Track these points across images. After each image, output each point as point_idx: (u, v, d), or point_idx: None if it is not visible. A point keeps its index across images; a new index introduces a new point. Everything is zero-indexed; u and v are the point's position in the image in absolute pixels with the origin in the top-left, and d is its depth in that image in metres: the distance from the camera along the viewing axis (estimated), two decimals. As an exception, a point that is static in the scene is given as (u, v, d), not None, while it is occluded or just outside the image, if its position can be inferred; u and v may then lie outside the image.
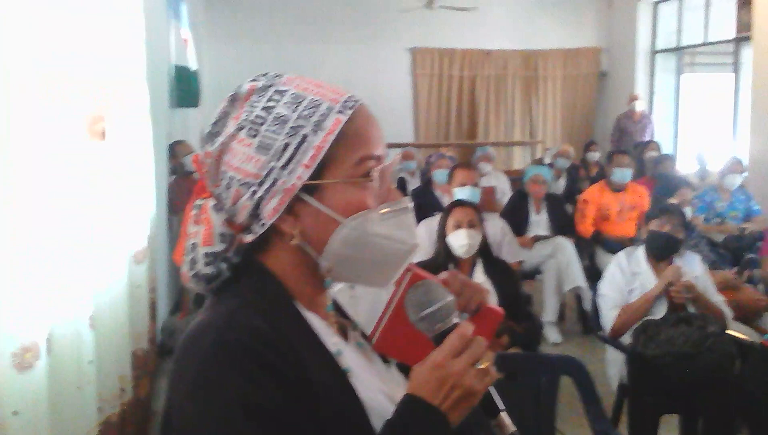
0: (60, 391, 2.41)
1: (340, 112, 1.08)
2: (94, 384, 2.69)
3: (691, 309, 3.55)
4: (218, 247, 1.10)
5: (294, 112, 1.07)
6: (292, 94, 1.09)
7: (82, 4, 2.79)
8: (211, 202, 1.12)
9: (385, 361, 1.25)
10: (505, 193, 7.63)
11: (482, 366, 1.04)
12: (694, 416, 3.33)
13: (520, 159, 12.02)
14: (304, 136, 1.06)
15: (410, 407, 1.02)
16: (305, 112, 1.07)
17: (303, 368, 1.00)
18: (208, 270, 1.10)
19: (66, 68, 2.60)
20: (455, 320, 1.08)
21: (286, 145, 1.05)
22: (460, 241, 3.67)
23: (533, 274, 5.77)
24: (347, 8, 11.14)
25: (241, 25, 10.37)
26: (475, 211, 3.81)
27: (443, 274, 1.23)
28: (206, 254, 1.10)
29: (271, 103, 1.07)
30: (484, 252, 3.81)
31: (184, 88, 6.38)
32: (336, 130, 1.06)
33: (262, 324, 1.01)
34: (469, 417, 1.05)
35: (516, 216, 5.82)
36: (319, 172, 1.07)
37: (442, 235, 3.75)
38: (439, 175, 6.22)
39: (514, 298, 3.67)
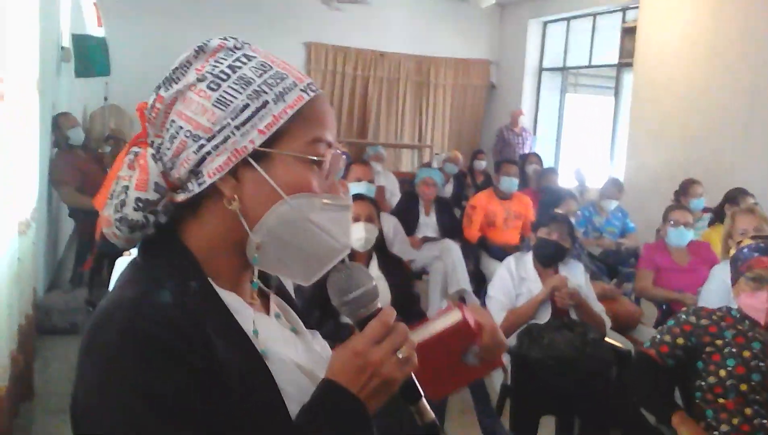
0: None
1: (303, 90, 1.07)
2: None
3: (574, 316, 3.70)
4: (150, 196, 1.05)
5: (259, 77, 1.05)
6: (260, 61, 1.07)
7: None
8: (150, 151, 1.07)
9: (310, 328, 1.24)
10: (393, 193, 7.71)
11: (403, 354, 1.03)
12: (571, 418, 3.47)
13: (408, 161, 12.18)
14: (265, 102, 1.03)
15: (328, 393, 1.02)
16: (270, 81, 1.05)
17: (214, 354, 0.97)
18: (136, 216, 1.05)
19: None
20: (378, 306, 1.07)
21: (246, 106, 1.03)
22: (358, 234, 3.67)
23: (420, 274, 5.85)
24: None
25: (127, 3, 9.92)
26: (374, 206, 3.83)
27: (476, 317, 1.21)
28: (138, 199, 1.04)
29: (238, 64, 1.05)
30: (380, 247, 3.84)
31: (89, 57, 6.06)
32: (297, 106, 1.05)
33: (172, 310, 0.97)
34: (388, 403, 1.05)
35: (406, 216, 5.89)
36: (272, 142, 1.04)
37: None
38: (333, 170, 6.20)
39: (406, 295, 3.72)
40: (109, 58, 6.27)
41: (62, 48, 6.49)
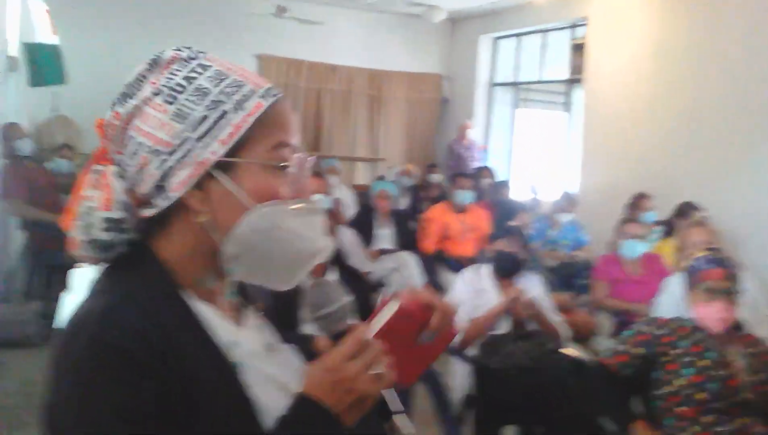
0: None
1: (262, 97, 1.06)
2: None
3: (531, 326, 3.73)
4: (117, 215, 1.04)
5: (216, 87, 1.04)
6: (216, 70, 1.06)
7: None
8: (112, 169, 1.05)
9: (288, 342, 1.22)
10: (349, 206, 7.70)
11: (377, 370, 1.03)
12: (532, 428, 3.50)
13: (362, 174, 12.18)
14: (224, 112, 1.02)
15: (302, 407, 1.01)
16: (228, 90, 1.04)
17: (184, 367, 0.96)
18: (107, 236, 1.04)
19: None
20: (351, 322, 1.09)
21: (204, 118, 1.02)
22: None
23: (377, 286, 5.85)
24: (194, 6, 10.83)
25: (81, 11, 9.73)
26: (330, 218, 3.82)
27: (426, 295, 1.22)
28: (106, 220, 1.04)
29: (193, 75, 1.04)
30: (338, 259, 3.83)
31: (43, 66, 5.92)
32: (256, 113, 1.04)
33: (142, 322, 0.96)
34: (364, 419, 1.05)
35: (362, 229, 5.89)
36: (235, 152, 1.03)
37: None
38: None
39: (364, 306, 3.71)
40: (63, 66, 6.13)
41: (8, 57, 6.35)
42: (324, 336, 1.10)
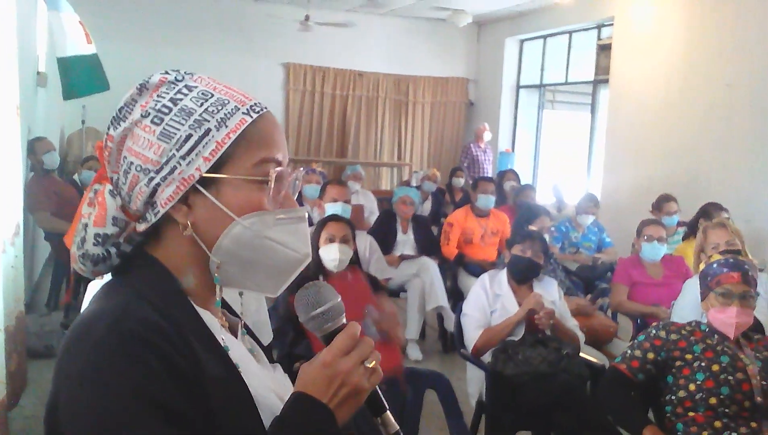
0: None
1: (245, 113, 1.10)
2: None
3: (548, 331, 3.71)
4: (109, 230, 1.11)
5: (200, 106, 1.08)
6: (201, 91, 1.10)
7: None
8: (108, 187, 1.12)
9: (272, 361, 1.27)
10: (372, 211, 7.72)
11: (370, 365, 1.07)
12: (547, 433, 3.48)
13: (387, 180, 12.21)
14: (207, 130, 1.07)
15: (299, 404, 1.05)
16: (211, 109, 1.08)
17: (197, 361, 1.00)
18: (96, 250, 1.10)
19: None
20: (344, 321, 1.11)
21: (189, 136, 1.06)
22: (332, 256, 3.68)
23: (398, 292, 5.86)
24: (222, 17, 10.96)
25: (113, 22, 9.92)
26: (349, 227, 3.84)
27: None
28: (96, 235, 1.10)
29: (179, 96, 1.09)
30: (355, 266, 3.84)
31: (81, 76, 5.99)
32: (239, 130, 1.08)
33: (157, 316, 1.00)
34: (355, 416, 1.08)
35: (384, 235, 5.90)
36: (219, 168, 1.07)
37: (314, 247, 3.74)
38: (310, 190, 6.23)
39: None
40: (103, 73, 6.19)
41: (38, 73, 6.48)
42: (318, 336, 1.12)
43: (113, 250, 1.11)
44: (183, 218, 1.08)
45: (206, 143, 1.06)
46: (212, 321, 1.12)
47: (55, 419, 0.99)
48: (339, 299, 1.12)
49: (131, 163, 1.08)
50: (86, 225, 1.10)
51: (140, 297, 1.03)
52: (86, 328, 1.00)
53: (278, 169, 1.11)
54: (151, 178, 1.07)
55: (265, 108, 1.13)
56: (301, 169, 1.34)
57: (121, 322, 0.97)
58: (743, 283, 2.76)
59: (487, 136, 10.74)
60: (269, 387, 1.13)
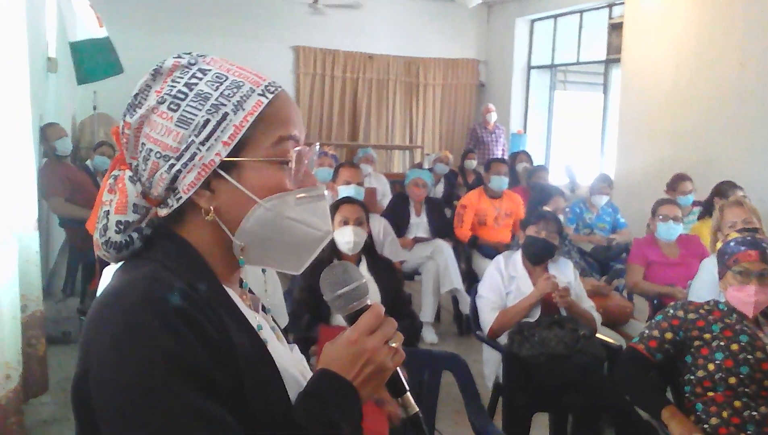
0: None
1: (261, 94, 1.09)
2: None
3: (563, 312, 3.70)
4: (130, 217, 1.10)
5: (216, 90, 1.08)
6: (215, 73, 1.10)
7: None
8: (128, 174, 1.11)
9: (289, 343, 1.29)
10: (385, 194, 7.72)
11: (394, 344, 1.09)
12: (564, 415, 3.48)
13: (399, 162, 12.19)
14: (225, 115, 1.07)
15: (324, 380, 1.07)
16: (227, 92, 1.08)
17: (227, 333, 1.01)
18: (119, 238, 1.10)
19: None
20: (368, 302, 1.13)
21: (207, 121, 1.06)
22: (346, 238, 3.68)
23: (412, 275, 5.86)
24: (230, 1, 10.92)
25: (120, 8, 9.91)
26: (363, 209, 3.83)
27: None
28: (118, 222, 1.10)
29: (193, 81, 1.08)
30: (369, 249, 3.84)
31: (95, 60, 5.98)
32: (256, 112, 1.08)
33: (186, 288, 1.01)
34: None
35: (397, 218, 5.89)
36: (238, 151, 1.08)
37: (328, 230, 3.73)
38: (322, 173, 6.21)
39: (396, 295, 3.73)
40: (116, 56, 6.17)
41: (49, 59, 6.47)
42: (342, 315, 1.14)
43: (135, 235, 1.11)
44: (206, 203, 1.08)
45: (224, 128, 1.06)
46: (238, 299, 1.13)
47: (84, 387, 0.98)
48: (364, 280, 1.14)
49: (150, 150, 1.08)
50: (108, 212, 1.10)
51: (167, 268, 1.04)
52: (116, 297, 1.00)
53: (297, 148, 1.11)
54: (172, 165, 1.07)
55: (280, 87, 1.13)
56: (316, 144, 1.34)
57: (154, 290, 0.98)
58: (761, 261, 2.74)
59: (492, 117, 10.65)
60: (292, 364, 1.15)
